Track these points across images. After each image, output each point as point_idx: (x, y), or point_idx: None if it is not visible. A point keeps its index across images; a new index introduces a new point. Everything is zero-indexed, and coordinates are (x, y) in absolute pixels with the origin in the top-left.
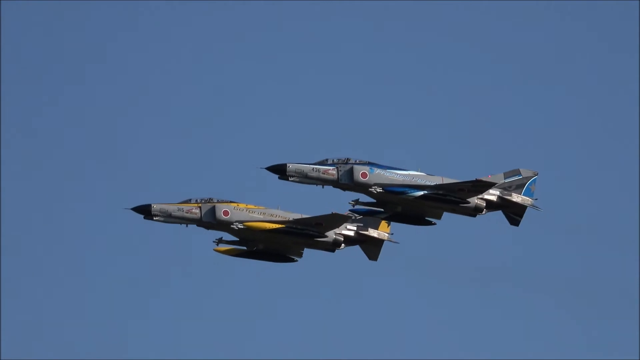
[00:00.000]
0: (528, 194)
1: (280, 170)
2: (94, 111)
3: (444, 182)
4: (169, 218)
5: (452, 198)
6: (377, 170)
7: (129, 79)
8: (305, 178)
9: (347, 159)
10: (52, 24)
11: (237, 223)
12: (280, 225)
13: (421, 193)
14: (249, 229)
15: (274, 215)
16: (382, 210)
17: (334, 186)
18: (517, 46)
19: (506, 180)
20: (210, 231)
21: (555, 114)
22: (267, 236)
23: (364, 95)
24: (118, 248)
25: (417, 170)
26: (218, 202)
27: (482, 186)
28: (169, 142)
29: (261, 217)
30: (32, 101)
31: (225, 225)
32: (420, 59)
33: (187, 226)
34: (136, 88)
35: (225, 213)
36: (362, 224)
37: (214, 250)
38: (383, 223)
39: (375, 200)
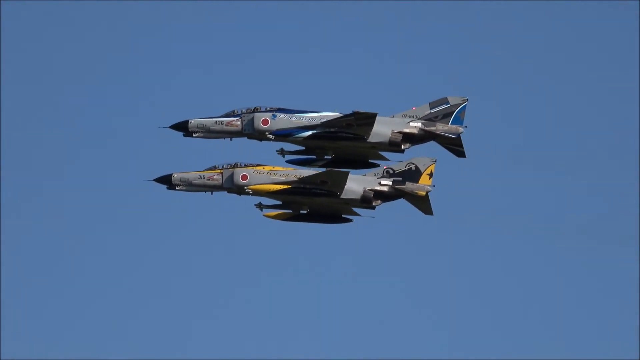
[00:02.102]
0: (457, 122)
1: (183, 127)
2: (93, 111)
3: (331, 119)
4: (191, 187)
5: (345, 134)
6: (281, 116)
7: (129, 78)
8: (209, 132)
9: (256, 107)
10: (52, 24)
11: (247, 188)
12: (286, 186)
13: (309, 133)
14: (258, 192)
15: (297, 176)
16: (314, 157)
17: (241, 137)
18: (516, 46)
19: (432, 110)
20: (243, 197)
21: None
22: (295, 198)
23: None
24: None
25: (334, 111)
26: (245, 166)
27: (364, 118)
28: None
29: (282, 179)
30: (32, 101)
31: (243, 190)
32: None
33: (212, 193)
34: (136, 88)
35: (244, 177)
36: (399, 178)
37: (264, 215)
38: (424, 175)
39: (303, 148)
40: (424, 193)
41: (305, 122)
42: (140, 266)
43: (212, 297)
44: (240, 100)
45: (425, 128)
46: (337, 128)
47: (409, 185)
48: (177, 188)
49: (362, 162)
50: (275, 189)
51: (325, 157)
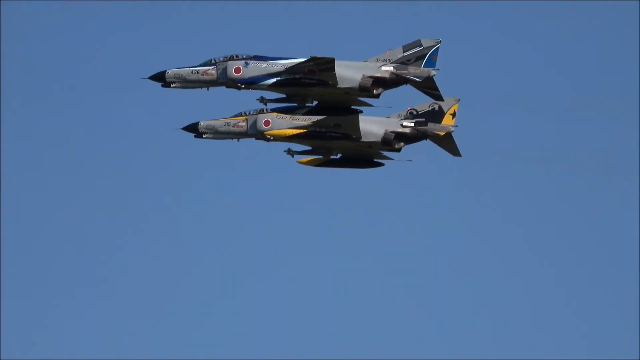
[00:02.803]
0: (430, 64)
1: (160, 78)
2: (94, 110)
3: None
4: (217, 134)
5: (309, 81)
6: (254, 63)
7: (129, 78)
8: (186, 82)
9: (232, 55)
10: (52, 24)
11: (265, 133)
12: (301, 130)
13: (274, 80)
14: (276, 137)
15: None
16: (295, 105)
17: (218, 87)
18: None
19: (405, 54)
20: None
21: None
22: (316, 143)
23: None
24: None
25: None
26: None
27: (322, 63)
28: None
29: (304, 123)
30: (32, 101)
31: (264, 136)
32: None
33: (238, 140)
34: (136, 88)
35: (266, 123)
36: (422, 119)
37: (298, 162)
38: (447, 116)
39: (284, 95)
40: (443, 133)
41: (278, 70)
42: (171, 225)
43: (248, 240)
44: (229, 48)
45: (397, 72)
46: (301, 75)
47: (431, 126)
48: (204, 136)
49: (344, 108)
50: (291, 133)
51: (307, 104)
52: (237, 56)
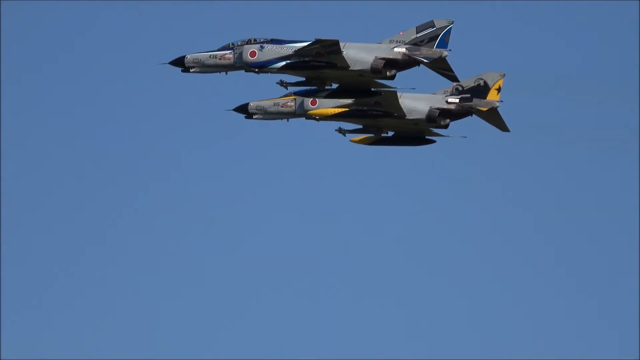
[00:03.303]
0: (442, 45)
1: (180, 63)
2: (94, 110)
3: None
4: (267, 114)
5: (317, 63)
6: (269, 47)
7: (129, 78)
8: (204, 67)
9: (250, 39)
10: (52, 24)
11: (309, 112)
12: (344, 109)
13: (283, 63)
14: (321, 116)
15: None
16: (315, 88)
17: (235, 71)
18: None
19: (419, 35)
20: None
21: None
22: (364, 121)
23: None
24: None
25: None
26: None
27: (328, 45)
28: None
29: (348, 101)
30: (32, 101)
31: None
32: None
33: (288, 120)
34: (136, 88)
35: (313, 102)
36: (467, 95)
37: (350, 140)
38: (492, 91)
39: (304, 79)
40: (486, 109)
41: (286, 53)
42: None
43: (303, 217)
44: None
45: (409, 53)
46: (310, 57)
47: (475, 102)
48: (254, 117)
49: (365, 91)
50: (334, 112)
51: (326, 87)
52: (254, 40)
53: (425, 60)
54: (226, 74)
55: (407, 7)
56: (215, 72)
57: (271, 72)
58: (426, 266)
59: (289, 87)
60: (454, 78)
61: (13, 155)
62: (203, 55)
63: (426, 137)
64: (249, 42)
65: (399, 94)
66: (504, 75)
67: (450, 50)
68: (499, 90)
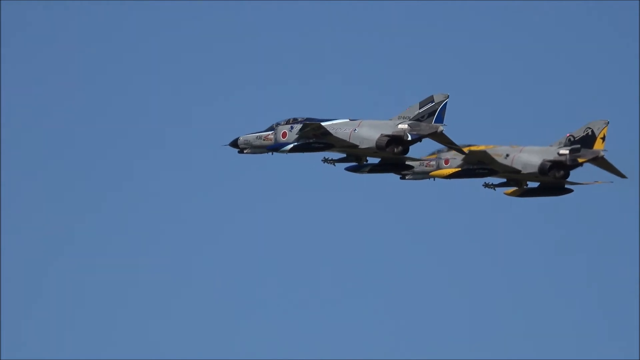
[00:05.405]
0: (439, 119)
1: (235, 144)
2: (95, 111)
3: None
4: (253, 148)
5: (318, 145)
6: (298, 127)
7: (130, 78)
8: (253, 148)
9: (293, 119)
10: (52, 24)
11: (430, 174)
12: (457, 169)
13: (291, 146)
14: (439, 176)
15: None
16: (356, 163)
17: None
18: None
19: (421, 110)
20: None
21: None
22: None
23: None
24: None
25: (348, 119)
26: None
27: (313, 129)
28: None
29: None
30: (32, 101)
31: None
32: None
33: (272, 154)
34: (137, 88)
35: (446, 161)
36: (578, 145)
37: (504, 193)
38: (598, 140)
39: (344, 155)
40: (585, 160)
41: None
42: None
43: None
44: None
45: (410, 130)
46: (313, 139)
47: (582, 152)
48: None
49: (399, 165)
50: (449, 172)
51: (364, 162)
52: (292, 120)
53: (426, 135)
54: (272, 154)
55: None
56: (264, 152)
57: (283, 153)
58: None
59: (336, 164)
60: (459, 150)
61: (13, 155)
62: (251, 137)
63: (565, 186)
64: (288, 122)
65: (519, 148)
66: (608, 122)
67: (445, 125)
68: (603, 138)
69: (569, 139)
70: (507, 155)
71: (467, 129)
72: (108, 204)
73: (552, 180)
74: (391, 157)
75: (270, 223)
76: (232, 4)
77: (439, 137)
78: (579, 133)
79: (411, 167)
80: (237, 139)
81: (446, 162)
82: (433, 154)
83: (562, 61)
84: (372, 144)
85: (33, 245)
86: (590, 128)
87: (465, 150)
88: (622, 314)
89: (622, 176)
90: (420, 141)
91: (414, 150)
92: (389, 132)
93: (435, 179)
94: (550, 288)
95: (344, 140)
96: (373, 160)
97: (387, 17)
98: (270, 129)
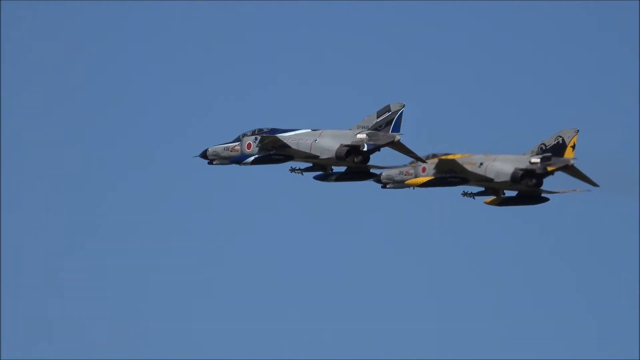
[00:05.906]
0: (396, 129)
1: (205, 156)
2: (94, 111)
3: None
4: (221, 159)
5: (279, 157)
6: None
7: (130, 78)
8: (221, 159)
9: (258, 129)
10: (51, 24)
11: (406, 182)
12: (430, 178)
13: (252, 159)
14: (413, 184)
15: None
16: (322, 172)
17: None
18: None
19: (379, 119)
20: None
21: None
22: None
23: None
24: None
25: (310, 129)
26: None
27: (270, 141)
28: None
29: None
30: (32, 101)
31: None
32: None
33: (240, 165)
34: (138, 88)
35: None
36: (549, 154)
37: (484, 202)
38: (568, 148)
39: (310, 164)
40: (555, 168)
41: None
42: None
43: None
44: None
45: (368, 140)
46: (273, 151)
47: (553, 160)
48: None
49: (365, 173)
50: (423, 181)
51: (330, 171)
52: (258, 130)
53: (384, 144)
54: (240, 165)
55: None
56: (230, 163)
57: (245, 165)
58: None
59: (303, 173)
60: (418, 158)
61: (13, 156)
62: (219, 148)
63: (541, 195)
64: (253, 133)
65: (493, 157)
66: (578, 130)
67: (402, 134)
68: (573, 147)
69: (540, 147)
70: (482, 163)
71: (444, 137)
72: (108, 204)
73: (525, 188)
74: (356, 165)
75: (247, 236)
76: (232, 4)
77: (397, 146)
78: (550, 142)
79: (376, 175)
80: (206, 150)
81: (423, 170)
82: (412, 162)
83: (551, 64)
84: (332, 154)
85: (33, 245)
86: (561, 136)
87: (442, 158)
88: (604, 317)
89: (594, 184)
90: (379, 150)
91: (375, 159)
92: (348, 142)
93: (415, 187)
94: (534, 294)
95: (304, 152)
96: (340, 168)
97: (387, 18)
98: (237, 139)
